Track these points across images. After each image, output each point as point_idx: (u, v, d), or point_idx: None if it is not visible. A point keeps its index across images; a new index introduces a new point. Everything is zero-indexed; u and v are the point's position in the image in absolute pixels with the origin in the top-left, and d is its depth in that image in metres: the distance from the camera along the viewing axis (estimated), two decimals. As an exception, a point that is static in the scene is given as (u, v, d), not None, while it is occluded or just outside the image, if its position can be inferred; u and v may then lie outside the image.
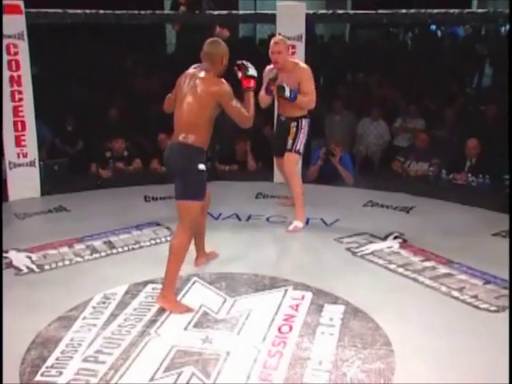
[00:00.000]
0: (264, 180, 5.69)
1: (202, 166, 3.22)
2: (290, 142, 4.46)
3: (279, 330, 3.05)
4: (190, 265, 3.66)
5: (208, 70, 3.27)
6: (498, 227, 4.47)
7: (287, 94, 4.28)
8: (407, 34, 11.62)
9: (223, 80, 3.24)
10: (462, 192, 5.32)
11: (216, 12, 5.68)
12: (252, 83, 3.35)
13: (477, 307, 3.32)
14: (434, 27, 11.42)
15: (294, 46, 5.37)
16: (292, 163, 4.48)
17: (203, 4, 5.74)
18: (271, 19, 5.48)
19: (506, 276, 3.62)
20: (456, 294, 3.47)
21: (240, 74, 3.37)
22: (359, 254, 4.06)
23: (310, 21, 5.59)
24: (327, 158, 5.56)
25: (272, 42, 4.40)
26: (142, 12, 5.49)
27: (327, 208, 4.95)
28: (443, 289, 3.53)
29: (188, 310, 3.21)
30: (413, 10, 5.19)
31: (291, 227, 4.42)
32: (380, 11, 5.41)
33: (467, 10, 4.93)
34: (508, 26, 10.77)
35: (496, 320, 3.20)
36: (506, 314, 3.24)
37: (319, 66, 7.85)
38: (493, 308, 3.31)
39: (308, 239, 4.34)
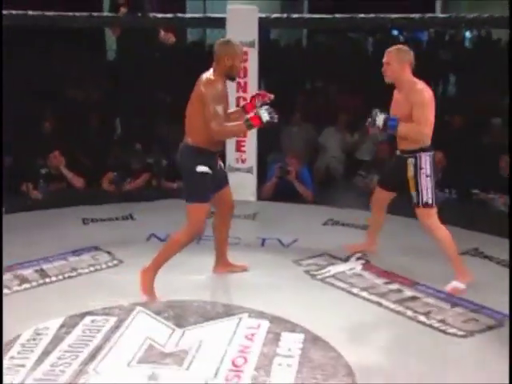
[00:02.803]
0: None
1: (201, 168, 3.47)
2: (413, 193, 3.91)
3: (233, 362, 3.04)
4: (133, 296, 3.63)
5: (214, 69, 3.55)
6: (465, 245, 4.60)
7: (379, 123, 3.79)
8: (368, 39, 11.95)
9: (217, 82, 3.46)
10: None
11: (160, 15, 5.69)
12: (256, 122, 3.47)
13: (444, 332, 3.40)
14: (396, 32, 11.77)
15: (246, 53, 5.44)
16: (426, 217, 3.92)
17: (145, 5, 5.72)
18: (221, 24, 5.54)
19: (474, 298, 3.73)
20: (422, 318, 3.54)
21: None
22: (319, 277, 4.10)
23: (264, 26, 5.69)
24: (282, 175, 5.64)
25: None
26: (78, 14, 5.45)
27: (284, 227, 5.00)
28: (409, 313, 3.60)
29: (153, 296, 3.61)
30: (372, 15, 5.35)
31: (450, 287, 3.86)
32: (337, 16, 5.54)
33: (429, 15, 5.10)
34: (469, 32, 11.25)
35: (464, 345, 3.28)
36: (475, 338, 3.34)
37: (274, 74, 8.00)
38: (460, 333, 3.39)
39: (264, 261, 4.36)
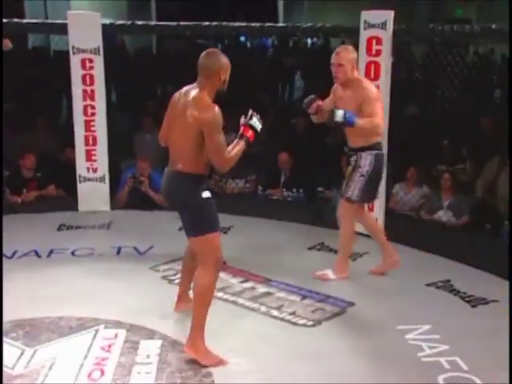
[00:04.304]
0: (67, 209, 5.52)
1: (206, 194, 3.11)
2: (343, 184, 4.10)
3: (89, 376, 2.97)
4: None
5: (203, 86, 3.08)
6: (312, 241, 4.88)
7: (338, 119, 3.77)
8: (216, 45, 12.16)
9: (215, 107, 3.02)
10: (278, 207, 5.72)
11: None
12: (249, 133, 3.16)
13: (295, 323, 3.58)
14: (243, 38, 12.12)
15: (91, 60, 5.33)
16: (342, 209, 4.13)
17: None
18: (63, 30, 5.36)
19: (321, 289, 3.99)
20: (275, 312, 3.70)
21: (242, 120, 3.21)
22: (176, 282, 4.11)
23: (109, 32, 5.59)
24: (135, 185, 5.59)
25: (335, 51, 3.98)
26: None
27: (140, 235, 4.96)
28: (262, 309, 3.75)
29: (221, 361, 3.12)
30: (215, 23, 5.47)
31: (320, 272, 4.18)
32: (182, 23, 5.59)
33: (268, 24, 5.33)
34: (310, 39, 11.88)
35: (314, 334, 3.48)
36: (322, 326, 3.56)
37: (124, 81, 7.87)
38: (310, 323, 3.59)
39: (120, 270, 4.29)
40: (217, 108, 3.02)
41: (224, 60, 3.12)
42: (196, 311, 3.14)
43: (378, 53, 4.76)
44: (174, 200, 3.19)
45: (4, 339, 3.28)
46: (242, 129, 3.17)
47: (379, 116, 3.89)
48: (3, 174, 6.05)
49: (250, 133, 3.16)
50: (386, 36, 4.73)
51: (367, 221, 4.33)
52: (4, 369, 3.01)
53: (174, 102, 3.20)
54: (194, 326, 3.13)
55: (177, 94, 3.21)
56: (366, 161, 3.98)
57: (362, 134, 3.92)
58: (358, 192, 4.03)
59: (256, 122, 3.18)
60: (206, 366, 3.07)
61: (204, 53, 3.14)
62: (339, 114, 3.76)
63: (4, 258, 4.43)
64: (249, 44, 12.29)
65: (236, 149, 3.11)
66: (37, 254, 4.55)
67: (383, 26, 4.71)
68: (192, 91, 3.11)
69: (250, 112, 3.21)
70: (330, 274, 4.18)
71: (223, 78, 3.10)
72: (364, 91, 3.88)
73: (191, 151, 3.06)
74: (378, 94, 4.02)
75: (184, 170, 3.10)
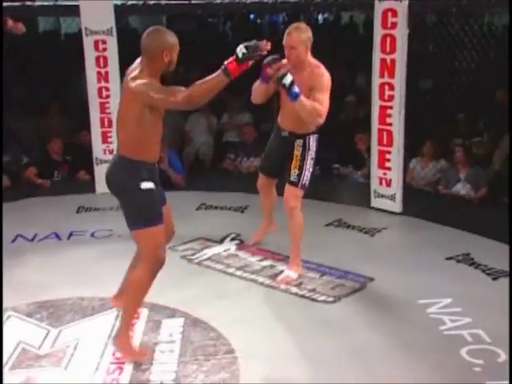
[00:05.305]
0: (86, 192, 5.55)
1: (146, 185, 2.84)
2: (294, 171, 3.76)
3: (114, 355, 3.00)
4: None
5: (143, 67, 2.81)
6: (329, 217, 4.86)
7: (286, 81, 3.40)
8: (226, 24, 12.06)
9: (151, 78, 2.77)
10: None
11: (6, 3, 5.35)
12: (231, 65, 2.68)
13: (315, 300, 3.58)
14: (253, 16, 11.98)
15: (104, 41, 5.30)
16: (296, 198, 3.80)
17: None
18: (74, 12, 5.33)
19: (340, 265, 3.98)
20: (295, 289, 3.70)
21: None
22: (196, 261, 4.14)
23: (121, 13, 5.55)
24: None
25: (286, 31, 3.62)
26: None
27: (158, 215, 4.96)
28: (282, 286, 3.74)
29: (142, 354, 2.99)
30: (227, 0, 5.42)
31: (281, 277, 3.83)
32: (194, 2, 5.54)
33: (280, 0, 5.27)
34: (326, 15, 11.72)
35: (334, 310, 3.48)
36: (342, 302, 3.56)
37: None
38: (330, 299, 3.60)
39: (139, 252, 4.30)
40: (153, 79, 2.77)
41: (169, 39, 2.82)
42: (127, 303, 2.99)
43: (394, 25, 4.68)
44: (112, 186, 2.93)
45: (29, 320, 3.34)
46: (230, 59, 2.72)
47: (323, 104, 3.53)
48: (22, 159, 6.11)
49: (232, 63, 2.69)
50: (402, 8, 4.64)
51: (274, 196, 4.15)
52: (30, 349, 3.07)
53: (123, 84, 2.94)
54: (124, 318, 2.97)
55: (125, 78, 2.92)
56: (314, 143, 3.76)
57: (297, 117, 3.58)
58: (310, 177, 3.76)
59: (239, 48, 2.69)
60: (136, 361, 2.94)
61: (147, 31, 2.88)
62: (289, 78, 3.41)
63: (25, 241, 4.49)
64: (259, 21, 12.16)
65: (208, 81, 2.71)
66: (57, 236, 4.58)
67: (399, -3, 4.62)
68: (132, 73, 2.85)
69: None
70: (291, 274, 3.85)
71: (168, 59, 2.81)
72: (318, 78, 3.57)
73: (131, 133, 2.81)
74: (330, 82, 3.63)
75: (125, 155, 2.86)
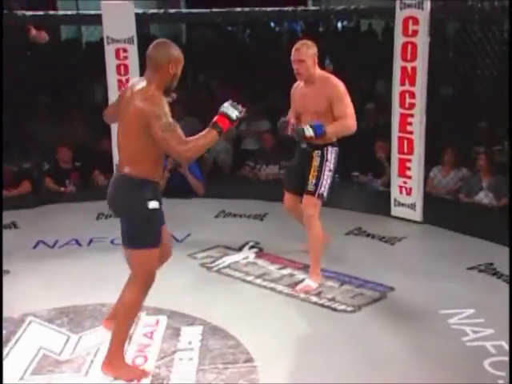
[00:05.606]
0: (104, 198, 5.56)
1: (153, 204, 2.77)
2: (312, 180, 3.82)
3: (133, 363, 3.00)
4: (22, 302, 3.49)
5: (150, 79, 2.77)
6: (349, 226, 4.84)
7: (309, 133, 3.62)
8: (245, 32, 12.09)
9: (161, 96, 2.74)
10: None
11: (30, 12, 5.43)
12: (225, 124, 2.78)
13: (335, 309, 3.56)
14: (272, 23, 12.01)
15: (125, 50, 5.34)
16: (314, 207, 3.84)
17: (11, 2, 5.43)
18: (96, 20, 5.39)
19: (359, 274, 3.94)
20: (314, 298, 3.68)
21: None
22: (215, 269, 4.14)
23: (142, 21, 5.60)
24: (174, 168, 5.60)
25: (294, 48, 3.81)
26: None
27: (177, 223, 4.92)
28: (301, 295, 3.72)
29: (142, 374, 2.90)
30: (247, 9, 5.43)
31: (301, 286, 3.82)
32: (214, 10, 5.57)
33: (301, 8, 5.28)
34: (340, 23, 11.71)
35: (354, 319, 3.45)
36: (363, 312, 3.52)
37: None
38: (350, 308, 3.57)
39: (158, 258, 4.31)
40: (163, 98, 2.74)
41: (174, 52, 2.79)
42: (116, 327, 2.88)
43: (415, 33, 4.65)
44: (117, 206, 2.87)
45: (50, 326, 3.36)
46: (216, 117, 2.80)
47: (350, 115, 3.72)
48: (43, 165, 6.16)
49: (223, 121, 2.78)
50: (423, 16, 4.61)
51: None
52: (51, 355, 3.08)
53: (122, 96, 2.88)
54: (113, 342, 2.85)
55: (126, 89, 2.88)
56: (332, 154, 3.84)
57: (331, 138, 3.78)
58: (328, 188, 3.82)
59: (230, 110, 2.80)
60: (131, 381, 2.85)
61: (153, 43, 2.84)
62: (308, 131, 3.62)
63: (46, 247, 4.54)
64: (277, 29, 12.18)
65: (204, 138, 2.74)
66: (77, 242, 4.62)
67: (420, 5, 4.60)
68: (137, 85, 2.80)
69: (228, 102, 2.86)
70: (311, 283, 3.84)
71: (173, 72, 2.77)
72: (334, 88, 3.73)
73: (136, 151, 2.74)
74: (346, 89, 3.78)
75: (130, 174, 2.77)
